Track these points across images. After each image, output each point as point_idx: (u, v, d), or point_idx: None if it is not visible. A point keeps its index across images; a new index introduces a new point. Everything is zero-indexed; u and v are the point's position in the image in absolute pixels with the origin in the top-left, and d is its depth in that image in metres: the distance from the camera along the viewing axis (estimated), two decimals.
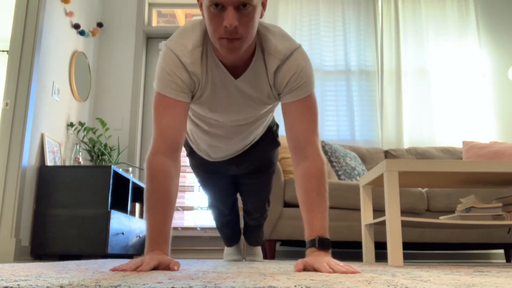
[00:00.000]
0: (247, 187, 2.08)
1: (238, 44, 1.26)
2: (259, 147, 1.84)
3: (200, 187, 2.13)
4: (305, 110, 1.39)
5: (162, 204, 1.29)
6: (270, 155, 1.95)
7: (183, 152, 1.80)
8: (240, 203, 2.29)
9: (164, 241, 1.26)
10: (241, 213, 2.35)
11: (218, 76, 1.39)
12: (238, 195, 2.24)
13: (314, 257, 1.22)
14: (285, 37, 1.40)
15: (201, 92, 1.41)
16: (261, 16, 1.33)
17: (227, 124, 1.58)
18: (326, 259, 1.18)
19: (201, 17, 1.39)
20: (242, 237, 2.58)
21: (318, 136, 1.42)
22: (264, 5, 1.33)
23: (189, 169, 4.03)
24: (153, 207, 1.29)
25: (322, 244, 1.27)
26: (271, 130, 1.86)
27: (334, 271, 1.10)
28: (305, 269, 1.18)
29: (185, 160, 1.92)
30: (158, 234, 1.26)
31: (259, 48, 1.38)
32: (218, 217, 2.27)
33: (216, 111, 1.49)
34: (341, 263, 1.15)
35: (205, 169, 1.96)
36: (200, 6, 1.31)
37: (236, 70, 1.39)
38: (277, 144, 1.92)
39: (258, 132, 1.75)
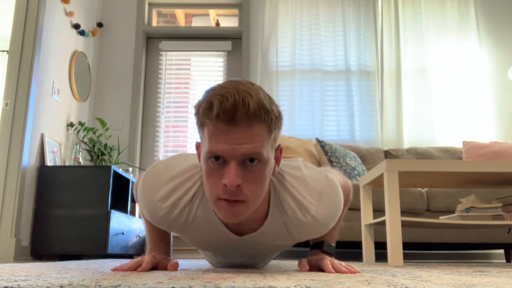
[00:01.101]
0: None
1: (241, 209, 0.98)
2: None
3: None
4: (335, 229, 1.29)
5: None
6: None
7: None
8: None
9: (164, 242, 1.26)
10: None
11: (216, 233, 1.14)
12: None
13: (318, 255, 1.22)
14: (304, 183, 1.11)
15: (190, 236, 1.19)
16: (274, 173, 1.05)
17: (236, 257, 1.36)
18: (329, 258, 1.18)
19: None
20: None
21: (345, 179, 1.30)
22: (278, 160, 1.06)
23: None
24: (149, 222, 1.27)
25: (328, 248, 1.26)
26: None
27: (337, 271, 1.10)
28: (310, 267, 1.18)
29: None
30: (157, 237, 1.26)
31: (274, 205, 1.10)
32: None
33: (215, 252, 1.30)
34: (343, 263, 1.15)
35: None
36: (198, 154, 1.06)
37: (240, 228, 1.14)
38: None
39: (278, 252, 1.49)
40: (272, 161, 1.01)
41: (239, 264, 1.45)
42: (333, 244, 1.29)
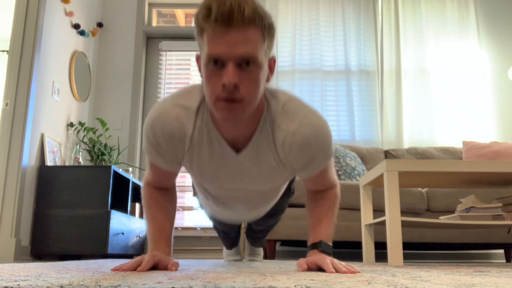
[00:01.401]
0: (254, 223, 2.04)
1: (238, 108, 1.05)
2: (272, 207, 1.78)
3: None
4: (324, 174, 1.31)
5: (162, 204, 1.31)
6: (284, 205, 1.87)
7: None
8: None
9: (164, 242, 1.26)
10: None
11: (215, 148, 1.22)
12: None
13: (317, 255, 1.22)
14: (293, 107, 1.20)
15: (191, 161, 1.26)
16: (268, 80, 1.15)
17: (235, 196, 1.45)
18: (329, 258, 1.18)
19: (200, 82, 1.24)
20: (242, 237, 2.57)
21: (336, 176, 1.39)
22: (271, 69, 1.16)
23: None
24: (151, 218, 1.30)
25: (325, 247, 1.27)
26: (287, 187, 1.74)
27: (337, 271, 1.10)
28: (309, 267, 1.18)
29: None
30: (158, 236, 1.26)
31: (265, 118, 1.19)
32: (222, 234, 2.23)
33: (217, 185, 1.37)
34: (343, 263, 1.15)
35: (212, 216, 1.91)
36: (199, 67, 1.14)
37: (238, 144, 1.22)
38: (290, 194, 1.81)
39: (274, 201, 1.64)
40: (266, 67, 1.10)
41: (238, 215, 1.60)
42: (330, 244, 1.29)
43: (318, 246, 1.26)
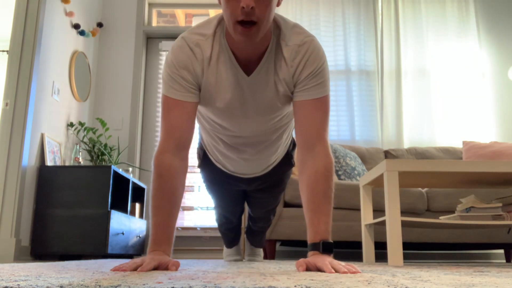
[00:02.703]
0: (255, 200, 2.06)
1: (255, 29, 1.22)
2: (273, 169, 1.79)
3: (208, 192, 2.09)
4: (319, 109, 1.35)
5: (167, 204, 1.29)
6: (283, 176, 1.90)
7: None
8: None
9: (166, 242, 1.26)
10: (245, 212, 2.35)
11: (229, 71, 1.35)
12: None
13: (317, 256, 1.22)
14: (301, 28, 1.37)
15: (208, 86, 1.36)
16: (278, 4, 1.31)
17: (242, 133, 1.53)
18: (328, 259, 1.18)
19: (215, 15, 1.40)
20: (242, 237, 2.58)
21: (328, 136, 1.38)
22: None
23: (191, 169, 4.03)
24: (157, 207, 1.29)
25: (326, 248, 1.25)
26: (288, 150, 1.80)
27: (337, 271, 1.10)
28: (308, 268, 1.18)
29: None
30: (161, 234, 1.26)
31: (274, 38, 1.34)
32: (224, 224, 2.25)
33: (227, 113, 1.43)
34: (343, 263, 1.15)
35: (216, 182, 1.92)
36: None
37: (250, 67, 1.35)
38: (291, 165, 1.86)
39: (277, 153, 1.70)
40: None
41: (245, 162, 1.65)
42: (330, 241, 1.27)
43: (318, 247, 1.25)
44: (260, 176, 1.80)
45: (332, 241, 1.28)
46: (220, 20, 1.35)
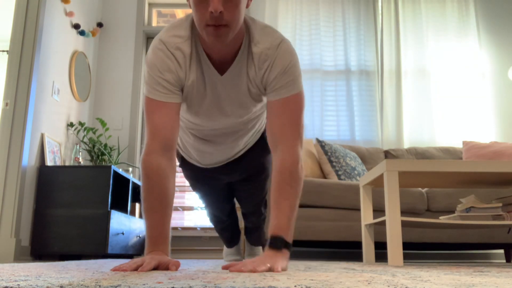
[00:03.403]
0: (241, 193, 2.05)
1: (224, 31, 1.24)
2: (250, 155, 1.80)
3: (195, 192, 2.09)
4: (286, 107, 1.36)
5: (159, 205, 1.29)
6: (262, 161, 1.89)
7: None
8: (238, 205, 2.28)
9: (163, 242, 1.26)
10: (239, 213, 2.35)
11: (204, 71, 1.38)
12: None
13: (264, 256, 1.21)
14: (271, 29, 1.39)
15: (188, 87, 1.39)
16: (247, 6, 1.33)
17: (216, 127, 1.56)
18: (269, 259, 1.16)
19: (188, 14, 1.42)
20: (242, 237, 2.57)
21: (298, 134, 1.37)
22: None
23: None
24: (150, 208, 1.29)
25: (275, 244, 1.24)
26: (263, 137, 1.80)
27: (251, 270, 1.09)
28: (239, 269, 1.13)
29: None
30: (157, 234, 1.26)
31: (246, 40, 1.36)
32: (217, 223, 2.25)
33: (204, 112, 1.47)
34: (269, 265, 1.13)
35: (198, 179, 1.92)
36: (188, 1, 1.31)
37: (223, 67, 1.38)
38: (269, 150, 1.82)
39: (249, 138, 1.71)
40: None
41: (222, 151, 1.68)
42: (283, 236, 1.25)
43: (269, 243, 1.25)
44: (234, 160, 1.79)
45: (284, 237, 1.25)
46: (192, 21, 1.37)
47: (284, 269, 1.18)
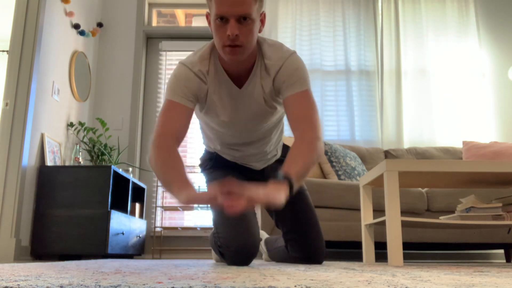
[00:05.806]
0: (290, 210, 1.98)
1: (239, 50, 1.48)
2: (277, 162, 2.00)
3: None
4: (304, 100, 1.56)
5: (175, 163, 1.44)
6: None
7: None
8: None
9: (192, 186, 1.35)
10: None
11: (224, 86, 1.62)
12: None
13: (270, 186, 1.28)
14: (279, 44, 1.64)
15: (209, 98, 1.62)
16: (260, 31, 1.57)
17: (239, 134, 1.77)
18: (269, 189, 1.23)
19: (209, 42, 1.66)
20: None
21: (317, 118, 1.53)
22: (262, 22, 1.57)
23: (191, 169, 4.03)
24: (167, 168, 1.44)
25: (284, 178, 1.32)
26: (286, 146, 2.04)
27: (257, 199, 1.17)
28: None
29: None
30: (185, 181, 1.36)
31: (259, 57, 1.61)
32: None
33: (226, 119, 1.68)
34: (273, 195, 1.21)
35: (228, 174, 2.01)
36: (209, 22, 1.55)
37: (241, 80, 1.62)
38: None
39: (273, 143, 1.90)
40: (258, 21, 1.53)
41: (244, 138, 1.81)
42: (293, 180, 1.33)
43: (282, 177, 1.33)
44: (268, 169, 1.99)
45: (294, 182, 1.34)
46: (212, 46, 1.63)
47: (281, 202, 1.24)
